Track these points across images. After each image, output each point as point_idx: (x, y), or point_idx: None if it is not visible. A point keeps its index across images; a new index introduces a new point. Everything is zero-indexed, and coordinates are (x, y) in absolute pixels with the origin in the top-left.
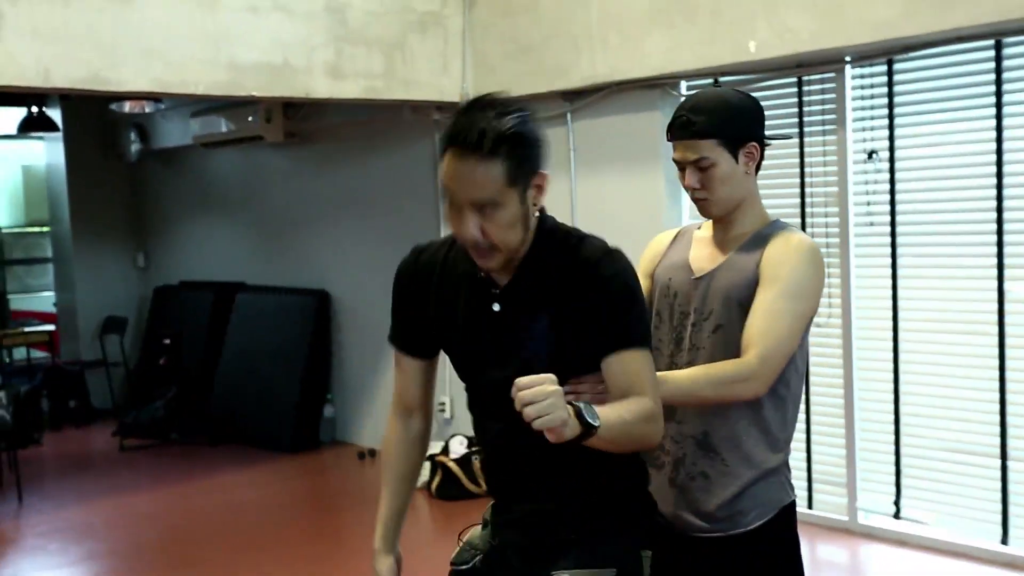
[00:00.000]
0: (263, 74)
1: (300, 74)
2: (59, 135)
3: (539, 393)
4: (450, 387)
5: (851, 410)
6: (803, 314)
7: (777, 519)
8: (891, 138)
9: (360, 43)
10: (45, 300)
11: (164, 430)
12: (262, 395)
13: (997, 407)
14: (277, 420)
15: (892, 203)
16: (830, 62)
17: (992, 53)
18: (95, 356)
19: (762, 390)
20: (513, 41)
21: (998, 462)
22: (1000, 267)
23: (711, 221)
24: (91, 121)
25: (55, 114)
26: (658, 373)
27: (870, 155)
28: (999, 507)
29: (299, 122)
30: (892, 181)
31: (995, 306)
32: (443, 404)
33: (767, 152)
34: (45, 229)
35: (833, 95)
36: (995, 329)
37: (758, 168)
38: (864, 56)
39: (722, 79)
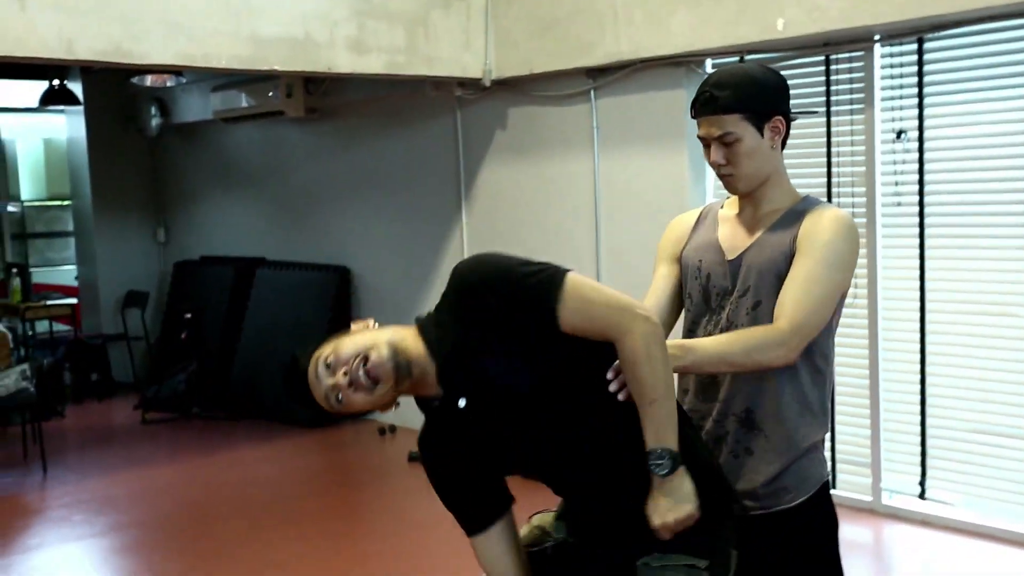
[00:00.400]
0: (285, 48)
1: (322, 48)
2: (80, 109)
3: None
4: None
5: (876, 390)
6: (838, 284)
7: (819, 495)
8: (920, 117)
9: (383, 18)
10: (67, 274)
11: (185, 404)
12: (282, 370)
13: None
14: None
15: (920, 183)
16: (859, 40)
17: None
18: (116, 330)
19: (792, 357)
20: (536, 17)
21: None
22: None
23: (735, 199)
24: (112, 95)
25: (76, 88)
26: (686, 341)
27: (899, 135)
28: None
29: (320, 97)
30: (921, 161)
31: None
32: None
33: (793, 131)
34: (66, 203)
35: (861, 74)
36: None
37: (784, 143)
38: (894, 34)
39: (748, 57)
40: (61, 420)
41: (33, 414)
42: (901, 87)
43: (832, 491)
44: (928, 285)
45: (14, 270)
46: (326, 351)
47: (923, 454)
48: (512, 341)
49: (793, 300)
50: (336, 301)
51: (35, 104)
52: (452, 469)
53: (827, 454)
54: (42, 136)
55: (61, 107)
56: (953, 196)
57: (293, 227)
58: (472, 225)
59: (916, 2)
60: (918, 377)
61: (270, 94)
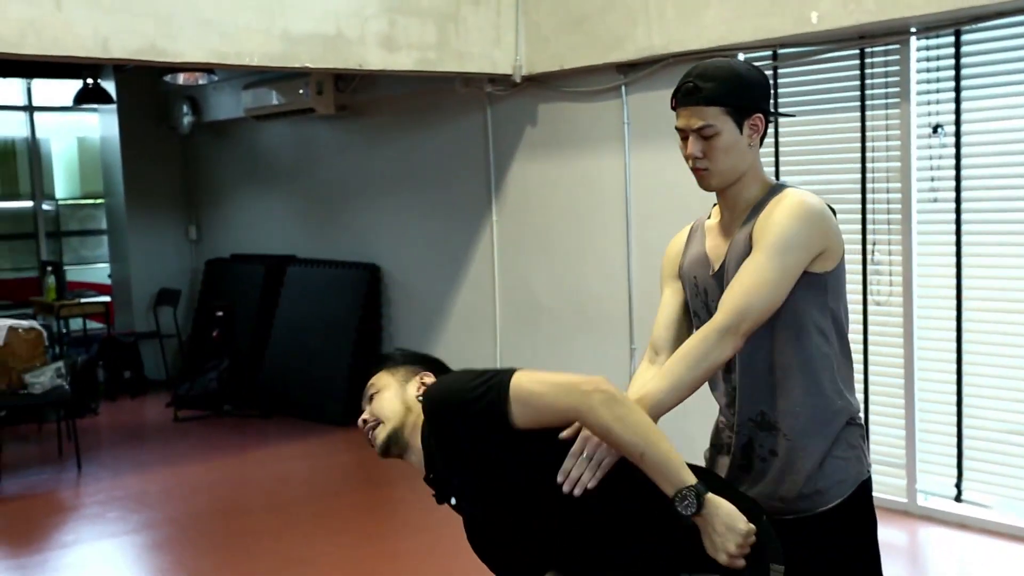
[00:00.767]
0: (317, 45)
1: (354, 45)
2: (113, 108)
3: (747, 542)
4: (499, 362)
5: (911, 390)
6: (788, 266)
7: (856, 495)
8: (957, 111)
9: (414, 14)
10: (100, 272)
11: (217, 402)
12: (313, 368)
13: None
14: (328, 393)
15: (957, 179)
16: (894, 33)
17: None
18: (149, 327)
19: (738, 344)
20: (567, 12)
21: None
22: None
23: (718, 207)
24: (144, 94)
25: (109, 86)
26: (641, 394)
27: (935, 129)
28: None
29: (350, 95)
30: (958, 156)
31: None
32: None
33: (827, 126)
34: (100, 201)
35: (897, 67)
36: None
37: (761, 141)
38: (930, 26)
39: (781, 51)
40: (95, 417)
41: (68, 411)
42: (938, 80)
43: None
44: (965, 283)
45: (48, 268)
46: (369, 390)
47: (959, 455)
48: (477, 460)
49: (730, 291)
50: (366, 299)
51: (69, 103)
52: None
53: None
54: (76, 135)
55: (94, 106)
56: (991, 192)
57: (323, 225)
58: (502, 222)
59: None
60: (954, 377)
61: (300, 91)
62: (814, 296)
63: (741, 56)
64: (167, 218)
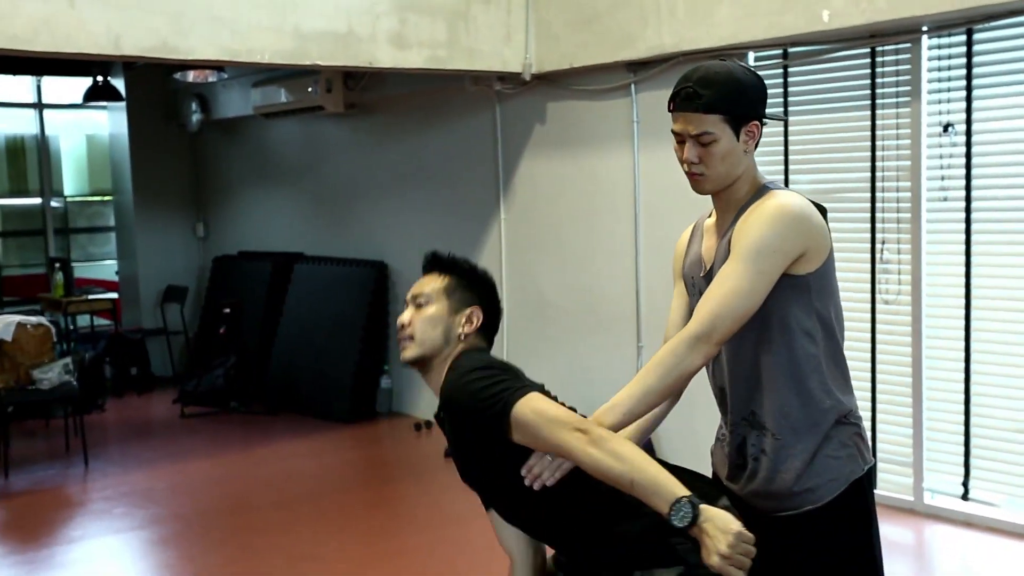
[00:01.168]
0: (327, 42)
1: (364, 43)
2: (122, 105)
3: (742, 543)
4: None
5: (919, 388)
6: (763, 272)
7: (848, 493)
8: (968, 111)
9: (424, 12)
10: (108, 268)
11: (224, 399)
12: (320, 365)
13: None
14: (334, 390)
15: (968, 178)
16: (906, 32)
17: None
18: (156, 324)
19: (711, 351)
20: (577, 10)
21: None
22: None
23: (713, 206)
24: (154, 91)
25: (119, 84)
26: (612, 400)
27: (946, 128)
28: None
29: (359, 93)
30: (968, 155)
31: None
32: None
33: (837, 124)
34: (108, 198)
35: (908, 66)
36: None
37: (756, 145)
38: (942, 25)
39: (792, 50)
40: (102, 413)
41: (75, 407)
42: (949, 79)
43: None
44: (974, 282)
45: (56, 264)
46: (420, 296)
47: (967, 454)
48: (478, 450)
49: (705, 298)
50: (374, 296)
51: (78, 100)
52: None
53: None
54: (85, 132)
55: (104, 103)
56: (1002, 192)
57: (331, 222)
58: (510, 221)
59: None
60: (962, 376)
61: (309, 89)
62: (797, 297)
63: (752, 55)
64: (175, 215)
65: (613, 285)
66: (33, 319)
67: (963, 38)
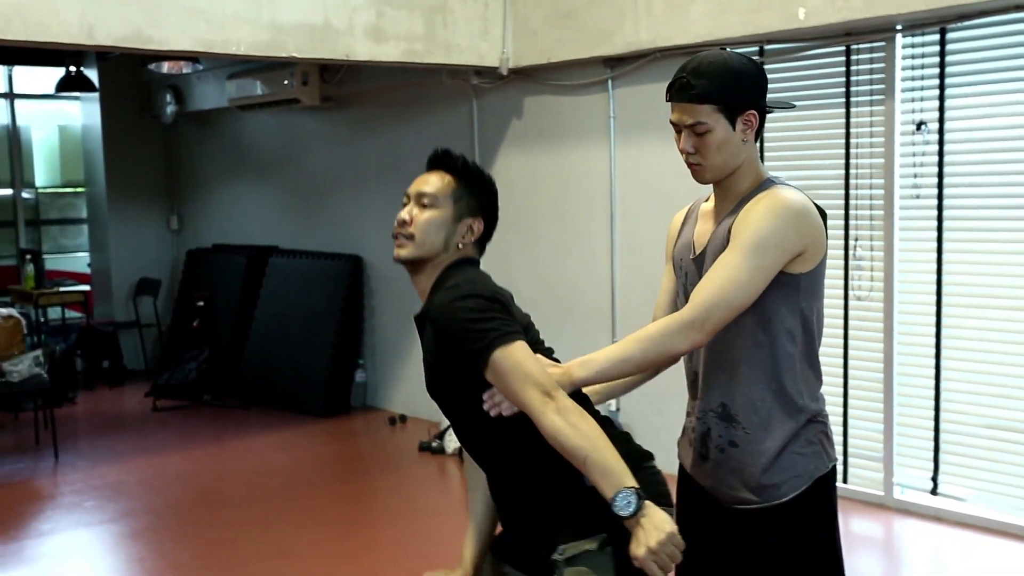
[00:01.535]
0: (304, 35)
1: (341, 35)
2: (95, 95)
3: (669, 545)
4: None
5: (890, 384)
6: (761, 266)
7: (812, 490)
8: (941, 109)
9: (401, 5)
10: (80, 260)
11: (196, 392)
12: (294, 359)
13: None
14: (309, 384)
15: (940, 175)
16: (880, 30)
17: None
18: (128, 317)
19: (700, 340)
20: (555, 6)
21: None
22: None
23: (713, 192)
24: (127, 82)
25: (92, 74)
26: (590, 355)
27: (919, 126)
28: None
29: (335, 86)
30: (941, 153)
31: None
32: None
33: (812, 122)
34: (80, 190)
35: (882, 64)
36: None
37: (758, 135)
38: (916, 24)
39: (768, 47)
40: (73, 406)
41: (45, 400)
42: (922, 78)
43: (843, 485)
44: (945, 279)
45: (28, 256)
46: (424, 196)
47: (936, 449)
48: (451, 366)
49: (700, 286)
50: (349, 290)
51: (51, 90)
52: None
53: (839, 448)
54: (57, 123)
55: (77, 94)
56: (973, 189)
57: (306, 215)
58: None
59: None
60: (933, 372)
61: (285, 82)
62: (785, 296)
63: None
64: (148, 207)
65: (588, 280)
66: (3, 311)
67: (936, 37)
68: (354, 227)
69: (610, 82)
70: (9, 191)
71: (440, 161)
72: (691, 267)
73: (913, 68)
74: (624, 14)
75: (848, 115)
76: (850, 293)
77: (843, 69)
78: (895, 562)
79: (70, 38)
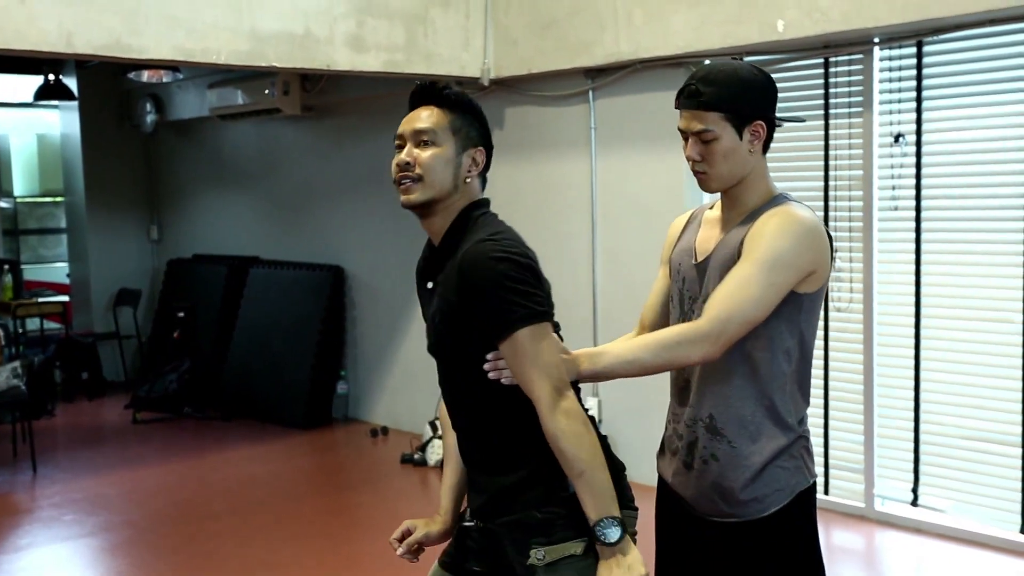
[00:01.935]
0: (284, 44)
1: (322, 45)
2: (74, 104)
3: None
4: None
5: (870, 395)
6: (775, 284)
7: (794, 505)
8: (918, 121)
9: (382, 15)
10: (58, 271)
11: (177, 404)
12: (275, 370)
13: (1020, 395)
14: (290, 396)
15: (918, 187)
16: (858, 43)
17: None
18: (108, 328)
19: (712, 352)
20: (536, 16)
21: (1019, 451)
22: None
23: (720, 200)
24: (107, 91)
25: (71, 83)
26: (600, 347)
27: (897, 138)
28: (1019, 496)
29: (316, 95)
30: (919, 165)
31: (1020, 294)
32: None
33: (790, 134)
34: (59, 199)
35: (860, 77)
36: (1020, 317)
37: (766, 147)
38: (893, 37)
39: (747, 59)
40: (51, 419)
41: (23, 412)
42: (900, 90)
43: (824, 497)
44: (924, 291)
45: (6, 266)
46: (422, 133)
47: (916, 461)
48: (452, 317)
49: (717, 299)
50: (330, 301)
51: (29, 99)
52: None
53: (820, 459)
54: (36, 131)
55: (55, 102)
56: (951, 201)
57: (287, 226)
58: None
59: (916, 5)
60: (912, 383)
61: (266, 91)
62: (788, 314)
63: (707, 63)
64: (128, 217)
65: (570, 290)
66: None
67: (913, 50)
68: (335, 237)
69: (591, 93)
70: None
71: (427, 95)
72: (691, 272)
73: (891, 81)
74: (604, 25)
75: (827, 127)
76: (830, 304)
77: (822, 81)
78: (876, 574)
79: (48, 46)
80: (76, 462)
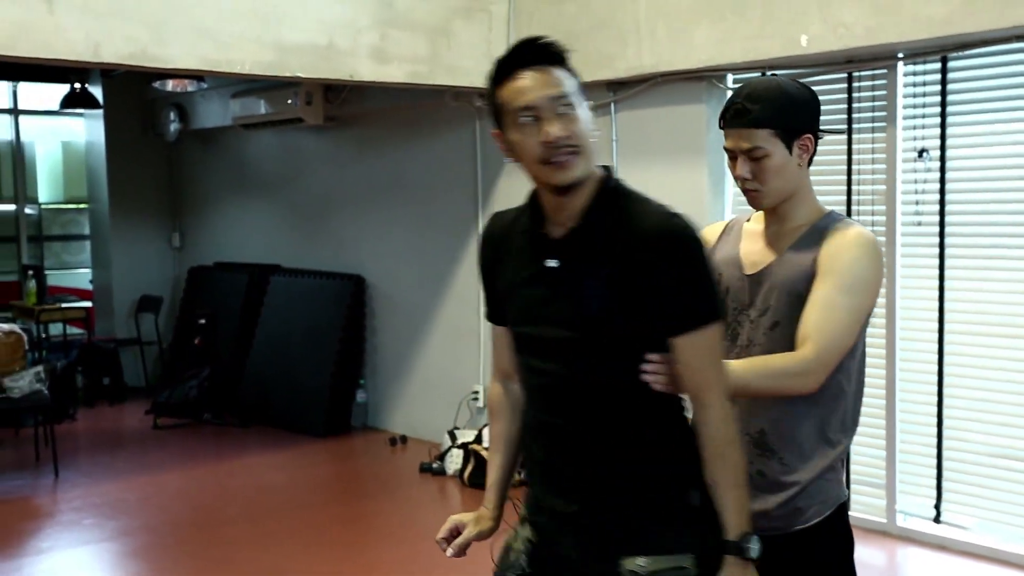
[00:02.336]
0: (308, 55)
1: (345, 56)
2: (99, 112)
3: None
4: (483, 376)
5: (892, 411)
6: (860, 308)
7: (835, 515)
8: (943, 137)
9: (405, 27)
10: (82, 277)
11: (197, 410)
12: (295, 378)
13: None
14: (309, 404)
15: (942, 203)
16: (882, 58)
17: None
18: (129, 334)
19: (814, 386)
20: (558, 29)
21: None
22: None
23: (761, 213)
24: (132, 99)
25: (96, 91)
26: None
27: (920, 153)
28: None
29: (339, 106)
30: (942, 180)
31: None
32: (476, 393)
33: (816, 148)
34: (83, 206)
35: (884, 92)
36: None
37: (811, 161)
38: (918, 53)
39: (770, 73)
40: (73, 423)
41: (46, 416)
42: (924, 106)
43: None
44: (947, 306)
45: (30, 272)
46: (559, 101)
47: (939, 477)
48: (635, 288)
49: (816, 328)
50: (350, 310)
51: (55, 107)
52: (492, 267)
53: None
54: (61, 139)
55: (81, 110)
56: (974, 217)
57: (309, 235)
58: None
59: (941, 21)
60: (935, 399)
61: (289, 101)
62: None
63: (730, 78)
64: (151, 224)
65: None
66: (5, 326)
67: (938, 66)
68: (356, 247)
69: (612, 106)
70: (12, 207)
71: (544, 54)
72: (737, 283)
73: (915, 96)
74: (627, 39)
75: (850, 142)
76: None
77: (845, 96)
78: None
79: (76, 56)
80: (97, 466)
